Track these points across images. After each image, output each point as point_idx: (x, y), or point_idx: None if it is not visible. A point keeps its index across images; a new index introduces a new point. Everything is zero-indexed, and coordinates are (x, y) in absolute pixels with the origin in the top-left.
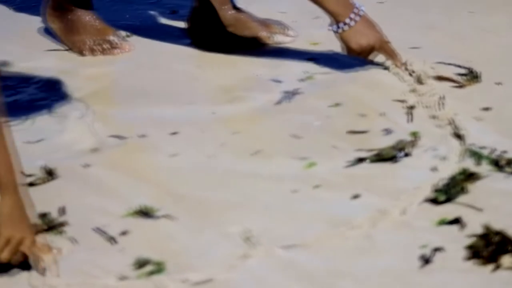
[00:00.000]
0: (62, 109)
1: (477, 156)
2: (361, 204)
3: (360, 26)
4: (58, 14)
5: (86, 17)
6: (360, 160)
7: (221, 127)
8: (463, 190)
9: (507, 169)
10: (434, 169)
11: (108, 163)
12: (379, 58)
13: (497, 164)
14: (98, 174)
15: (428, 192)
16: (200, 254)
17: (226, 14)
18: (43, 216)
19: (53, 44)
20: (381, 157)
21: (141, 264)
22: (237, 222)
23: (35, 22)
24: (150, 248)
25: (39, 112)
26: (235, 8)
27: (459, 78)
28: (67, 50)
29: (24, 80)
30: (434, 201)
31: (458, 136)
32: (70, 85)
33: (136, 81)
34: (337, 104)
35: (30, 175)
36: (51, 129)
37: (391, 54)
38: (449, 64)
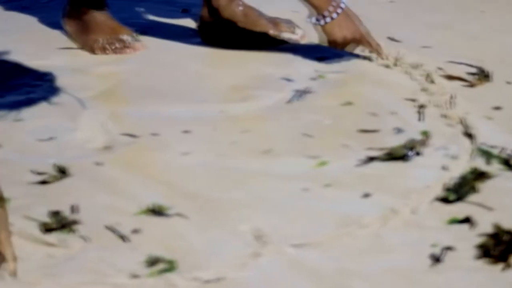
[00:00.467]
0: (74, 107)
1: (487, 155)
2: (371, 203)
3: (342, 19)
4: (74, 19)
5: (100, 17)
6: (371, 159)
7: (232, 126)
8: (473, 189)
9: None
10: (444, 168)
11: (120, 161)
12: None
13: (508, 163)
14: (110, 173)
15: (438, 191)
16: (211, 253)
17: (236, 9)
18: (55, 214)
19: (65, 43)
20: (392, 156)
21: (152, 262)
22: (247, 221)
23: (47, 20)
24: (161, 246)
25: (51, 110)
26: (244, 4)
27: (469, 77)
28: (79, 48)
29: (37, 78)
30: (445, 200)
31: (469, 135)
32: (82, 83)
33: (147, 80)
34: (348, 103)
35: (42, 173)
36: (63, 127)
37: (373, 45)
38: (460, 63)
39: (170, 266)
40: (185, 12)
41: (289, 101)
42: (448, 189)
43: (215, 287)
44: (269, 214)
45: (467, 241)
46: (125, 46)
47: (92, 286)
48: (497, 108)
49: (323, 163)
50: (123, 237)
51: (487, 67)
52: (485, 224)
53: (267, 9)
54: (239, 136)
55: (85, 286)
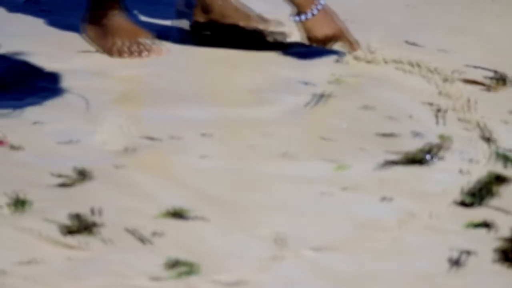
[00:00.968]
0: (94, 110)
1: (505, 159)
2: (390, 206)
3: (321, 16)
4: (93, 23)
5: (119, 20)
6: (389, 162)
7: (251, 129)
8: (491, 193)
9: None
10: (462, 172)
11: (140, 164)
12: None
13: None
14: (130, 175)
15: (456, 195)
16: (231, 256)
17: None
18: (76, 217)
19: (85, 46)
20: (410, 160)
21: (173, 264)
22: (267, 224)
23: (66, 23)
24: (182, 249)
25: (71, 113)
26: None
27: (487, 81)
28: (98, 51)
29: (56, 81)
30: (463, 204)
31: (486, 139)
32: (102, 86)
33: (167, 83)
34: (366, 107)
35: (62, 176)
36: (83, 130)
37: (351, 42)
38: (477, 67)
39: (191, 269)
40: None
41: (307, 105)
42: (466, 193)
43: None
44: (289, 217)
45: (486, 245)
46: (144, 49)
47: None
48: None
49: (341, 167)
50: (143, 240)
51: (504, 71)
52: (503, 228)
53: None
54: (258, 140)
55: None
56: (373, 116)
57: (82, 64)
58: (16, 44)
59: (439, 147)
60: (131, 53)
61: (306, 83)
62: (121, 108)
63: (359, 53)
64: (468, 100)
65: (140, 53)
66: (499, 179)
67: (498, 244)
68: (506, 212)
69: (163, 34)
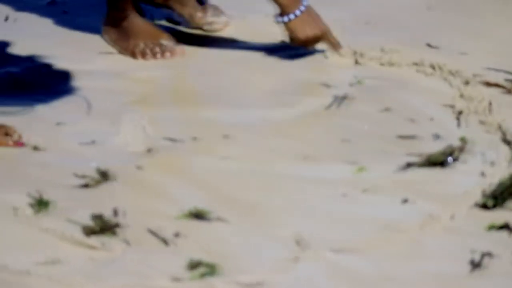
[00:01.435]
0: (115, 111)
1: None
2: (410, 208)
3: (305, 17)
4: (114, 26)
5: (140, 22)
6: (410, 164)
7: (271, 131)
8: None
9: None
10: (483, 174)
11: (161, 165)
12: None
13: None
14: (151, 176)
15: (477, 197)
16: (251, 257)
17: None
18: (97, 217)
19: (106, 47)
20: (431, 162)
21: (194, 265)
22: (288, 226)
23: (87, 25)
24: (202, 250)
25: (92, 114)
26: None
27: (507, 84)
28: (119, 53)
29: (77, 82)
30: (484, 206)
31: (507, 141)
32: (123, 88)
33: (187, 85)
34: (386, 109)
35: (84, 177)
36: (104, 131)
37: (333, 43)
38: (498, 70)
39: (211, 270)
40: None
41: (329, 107)
42: (487, 196)
43: None
44: (309, 219)
45: (507, 247)
46: (165, 50)
47: None
48: None
49: (362, 169)
50: (165, 241)
51: None
52: None
53: None
54: (278, 141)
55: None
56: (394, 118)
57: (103, 66)
58: (37, 46)
59: (461, 149)
60: (154, 55)
61: (327, 86)
62: (143, 109)
63: (379, 55)
64: (489, 103)
65: (162, 55)
66: None
67: None
68: None
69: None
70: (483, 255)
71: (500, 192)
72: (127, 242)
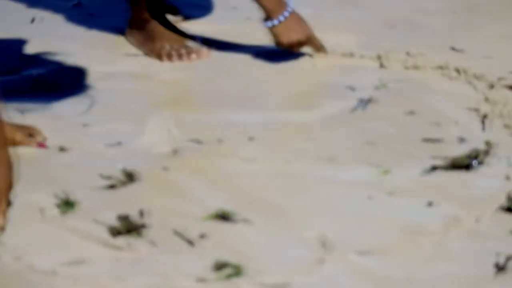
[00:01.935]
0: (140, 113)
1: None
2: (435, 211)
3: (290, 22)
4: (138, 28)
5: (163, 25)
6: (434, 168)
7: (296, 133)
8: None
9: None
10: (508, 177)
11: (186, 167)
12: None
13: None
14: (176, 178)
15: (502, 201)
16: (276, 258)
17: None
18: (123, 218)
19: (131, 49)
20: (455, 165)
21: (219, 266)
22: (312, 227)
23: (113, 27)
24: (228, 251)
25: (118, 115)
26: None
27: None
28: (145, 55)
29: (103, 84)
30: (508, 209)
31: None
32: (148, 89)
33: (213, 87)
34: (411, 112)
35: (109, 178)
36: (130, 133)
37: (318, 47)
38: None
39: (237, 271)
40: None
41: (353, 110)
42: (511, 199)
43: None
44: (334, 221)
45: None
46: (191, 52)
47: None
48: None
49: (387, 172)
50: (190, 242)
51: None
52: None
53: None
54: (303, 144)
55: None
56: (419, 121)
57: (128, 67)
58: (62, 47)
59: (485, 153)
60: (179, 56)
61: (352, 89)
62: (168, 111)
63: (404, 58)
64: None
65: (188, 56)
66: None
67: None
68: None
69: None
70: (508, 258)
71: None
72: (152, 243)
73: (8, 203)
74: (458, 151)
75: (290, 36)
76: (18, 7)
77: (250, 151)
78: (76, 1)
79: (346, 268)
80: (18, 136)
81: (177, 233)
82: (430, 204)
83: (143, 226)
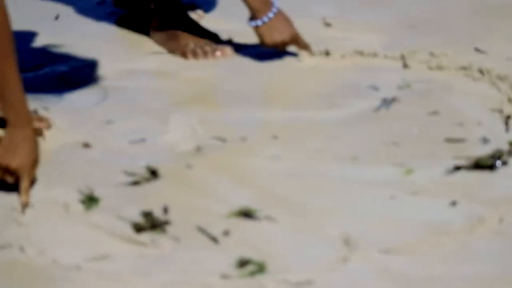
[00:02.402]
0: (164, 110)
1: None
2: (458, 211)
3: (274, 23)
4: (160, 28)
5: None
6: (458, 168)
7: (320, 132)
8: None
9: None
10: None
11: (209, 164)
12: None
13: None
14: (200, 175)
15: None
16: (299, 256)
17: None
18: (147, 214)
19: (155, 47)
20: (479, 166)
21: (243, 263)
22: (335, 226)
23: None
24: (251, 248)
25: (141, 112)
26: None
27: None
28: (169, 53)
29: (127, 82)
30: None
31: None
32: (172, 87)
33: (236, 85)
34: (434, 112)
35: (133, 174)
36: (154, 130)
37: (303, 46)
38: None
39: (260, 268)
40: None
41: (377, 110)
42: None
43: None
44: (357, 220)
45: None
46: (216, 50)
47: (183, 285)
48: None
49: (410, 171)
50: (214, 238)
51: None
52: None
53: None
54: (327, 143)
55: (176, 286)
56: (443, 121)
57: (152, 65)
58: (86, 45)
59: (509, 153)
60: (204, 54)
61: (376, 88)
62: (192, 109)
63: (427, 58)
64: None
65: (213, 54)
66: None
67: None
68: None
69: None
70: None
71: None
72: (176, 239)
73: (32, 180)
74: (482, 151)
75: (274, 36)
76: (43, 4)
77: (274, 149)
78: None
79: (369, 267)
80: None
81: (201, 230)
82: (453, 204)
83: (166, 222)
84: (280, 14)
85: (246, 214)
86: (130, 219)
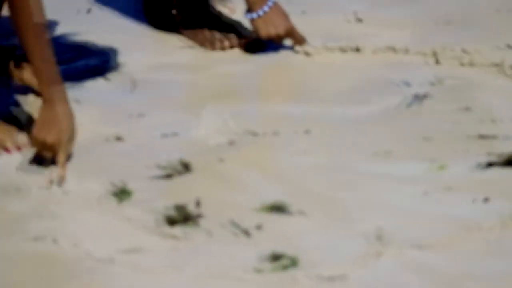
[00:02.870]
0: (196, 104)
1: None
2: (491, 207)
3: (269, 16)
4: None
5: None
6: (490, 164)
7: (352, 128)
8: None
9: None
10: None
11: (242, 158)
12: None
13: None
14: (232, 169)
15: None
16: (332, 250)
17: None
18: (180, 208)
19: (185, 41)
20: (511, 162)
21: (275, 257)
22: (368, 221)
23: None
24: (284, 242)
25: (173, 106)
26: None
27: None
28: (200, 47)
29: (158, 75)
30: None
31: None
32: (204, 81)
33: (265, 79)
34: (467, 109)
35: (165, 168)
36: (186, 124)
37: (298, 39)
38: None
39: (293, 262)
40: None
41: (409, 105)
42: None
43: (337, 285)
44: (390, 215)
45: None
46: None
47: (216, 279)
48: None
49: (442, 167)
50: (246, 232)
51: None
52: None
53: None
54: (359, 138)
55: (209, 279)
56: (474, 118)
57: (183, 59)
58: (117, 38)
59: None
60: (232, 42)
61: (408, 84)
62: (224, 103)
63: (460, 55)
64: None
65: (242, 43)
66: None
67: None
68: None
69: None
70: None
71: None
72: (209, 233)
73: (69, 156)
74: None
75: (269, 30)
76: None
77: (306, 144)
78: None
79: (402, 262)
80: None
81: (233, 224)
82: (486, 200)
83: (199, 216)
84: (276, 7)
85: (279, 208)
86: (162, 212)
